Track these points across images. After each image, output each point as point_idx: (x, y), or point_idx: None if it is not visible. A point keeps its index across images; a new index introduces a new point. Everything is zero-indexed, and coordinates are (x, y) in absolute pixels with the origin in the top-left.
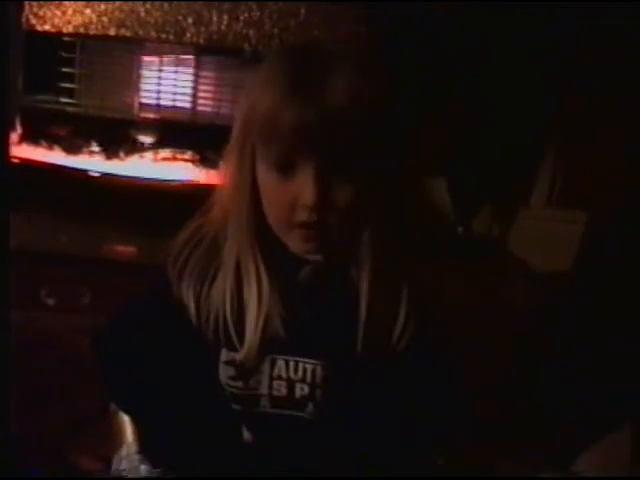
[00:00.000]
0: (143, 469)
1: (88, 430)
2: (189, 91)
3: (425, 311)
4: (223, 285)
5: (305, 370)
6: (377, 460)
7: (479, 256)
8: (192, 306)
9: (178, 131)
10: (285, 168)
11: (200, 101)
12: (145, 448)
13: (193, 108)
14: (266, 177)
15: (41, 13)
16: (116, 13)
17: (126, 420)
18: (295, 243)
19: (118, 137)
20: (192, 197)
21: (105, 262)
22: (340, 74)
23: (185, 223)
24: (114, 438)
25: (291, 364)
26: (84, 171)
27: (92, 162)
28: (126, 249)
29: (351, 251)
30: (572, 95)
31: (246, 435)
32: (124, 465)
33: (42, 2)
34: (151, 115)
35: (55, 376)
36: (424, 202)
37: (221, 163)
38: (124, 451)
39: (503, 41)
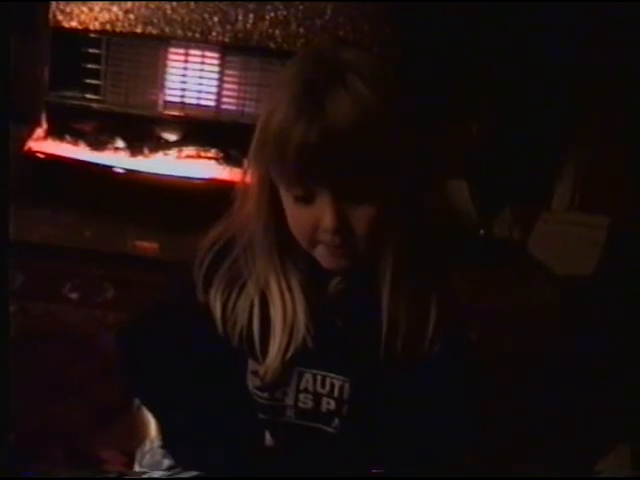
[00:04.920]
0: (166, 463)
1: (111, 425)
2: (214, 89)
3: (454, 314)
4: (251, 298)
5: (333, 385)
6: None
7: (500, 259)
8: (219, 313)
9: (202, 129)
10: (302, 195)
11: (225, 99)
12: (168, 443)
13: (217, 106)
14: (286, 198)
15: (68, 9)
16: (142, 10)
17: (149, 415)
18: (321, 259)
19: (142, 134)
20: (215, 195)
21: (128, 258)
22: (347, 89)
23: (208, 221)
24: (137, 433)
25: (318, 378)
26: (108, 167)
27: (116, 158)
28: (149, 245)
29: (376, 261)
30: (596, 101)
31: (268, 440)
32: (147, 460)
33: None
34: (176, 113)
35: (78, 371)
36: (446, 204)
37: (245, 165)
38: (147, 445)
39: (527, 48)
